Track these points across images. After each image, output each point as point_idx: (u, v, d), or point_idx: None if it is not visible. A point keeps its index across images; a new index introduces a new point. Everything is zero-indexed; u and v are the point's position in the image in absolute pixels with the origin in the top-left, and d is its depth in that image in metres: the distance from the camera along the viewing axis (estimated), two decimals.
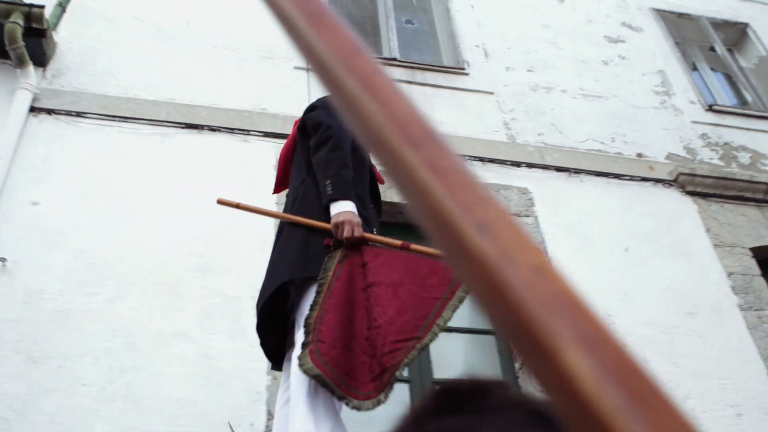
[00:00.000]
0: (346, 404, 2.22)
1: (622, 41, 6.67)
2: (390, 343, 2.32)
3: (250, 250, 4.01)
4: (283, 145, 3.12)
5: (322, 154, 2.64)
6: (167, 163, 4.42)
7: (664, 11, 7.30)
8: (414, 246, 2.60)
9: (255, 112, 4.85)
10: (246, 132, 4.71)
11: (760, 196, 5.54)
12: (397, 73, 5.48)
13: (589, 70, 6.20)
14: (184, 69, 5.02)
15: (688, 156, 5.68)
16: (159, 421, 3.39)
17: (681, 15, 7.40)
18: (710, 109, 6.29)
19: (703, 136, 5.97)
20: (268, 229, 3.96)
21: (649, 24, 7.03)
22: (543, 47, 6.23)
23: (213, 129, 4.66)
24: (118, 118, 4.56)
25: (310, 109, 2.89)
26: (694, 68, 7.30)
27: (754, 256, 5.08)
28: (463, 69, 5.80)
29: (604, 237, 4.78)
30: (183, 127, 4.63)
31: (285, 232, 2.65)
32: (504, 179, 5.04)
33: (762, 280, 4.91)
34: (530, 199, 4.96)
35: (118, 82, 4.78)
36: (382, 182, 3.03)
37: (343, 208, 2.53)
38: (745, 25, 7.65)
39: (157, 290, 3.81)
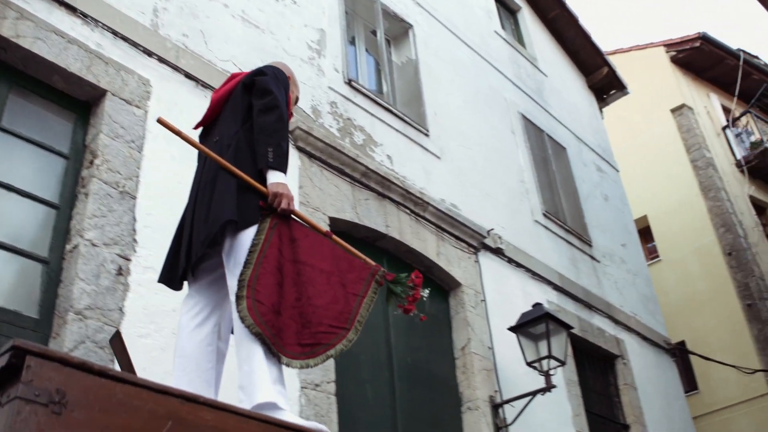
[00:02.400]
0: (278, 359, 2.57)
1: None
2: (326, 325, 2.69)
3: None
4: (215, 92, 3.25)
5: (269, 121, 2.87)
6: None
7: None
8: (335, 237, 2.95)
9: None
10: None
11: (357, 176, 6.18)
12: None
13: None
14: None
15: (311, 115, 6.10)
16: None
17: None
18: (349, 83, 6.84)
19: (333, 104, 6.46)
20: None
21: None
22: None
23: None
24: None
25: (260, 72, 3.07)
26: (352, 42, 7.85)
27: (329, 224, 5.64)
28: None
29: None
30: None
31: (221, 177, 2.80)
32: (129, 62, 4.87)
33: None
34: (148, 92, 4.87)
35: None
36: None
37: (281, 179, 2.81)
38: (410, 26, 8.46)
39: None
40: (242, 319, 2.56)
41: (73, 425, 1.66)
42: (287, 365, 2.62)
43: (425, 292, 3.11)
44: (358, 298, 2.85)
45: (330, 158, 5.99)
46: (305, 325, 2.68)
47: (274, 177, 2.81)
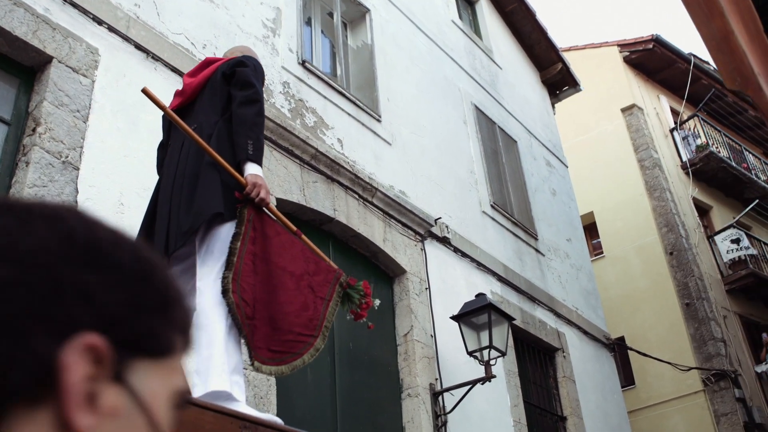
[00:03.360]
0: (251, 363, 2.64)
1: None
2: (296, 333, 2.74)
3: None
4: (190, 75, 3.26)
5: (250, 114, 2.91)
6: None
7: None
8: (304, 237, 2.99)
9: None
10: None
11: (306, 157, 6.19)
12: None
13: None
14: None
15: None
16: None
17: None
18: (302, 64, 6.83)
19: (285, 84, 6.45)
20: None
21: None
22: None
23: None
24: None
25: (240, 63, 3.07)
26: (308, 23, 7.83)
27: (276, 206, 5.65)
28: None
29: (151, 129, 4.84)
30: None
31: (206, 168, 2.82)
32: (78, 29, 4.78)
33: None
34: (96, 61, 4.79)
35: None
36: None
37: (258, 171, 2.86)
38: (368, 10, 8.47)
39: None
40: (232, 316, 2.59)
41: None
42: (257, 369, 2.66)
43: (376, 302, 3.19)
44: (325, 302, 2.89)
45: (280, 139, 5.99)
46: (275, 330, 2.72)
47: (252, 168, 2.85)
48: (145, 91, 2.85)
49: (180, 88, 3.28)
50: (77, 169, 4.33)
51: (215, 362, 2.52)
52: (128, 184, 4.58)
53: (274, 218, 2.95)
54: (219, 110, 3.02)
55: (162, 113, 3.09)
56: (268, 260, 2.79)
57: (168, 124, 3.28)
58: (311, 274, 2.89)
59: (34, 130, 4.25)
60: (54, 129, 4.29)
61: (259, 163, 2.89)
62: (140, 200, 4.59)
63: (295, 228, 3.01)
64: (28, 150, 4.19)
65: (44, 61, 4.49)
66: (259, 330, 2.68)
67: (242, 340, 2.63)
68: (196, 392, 2.51)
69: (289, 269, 2.83)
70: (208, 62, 3.26)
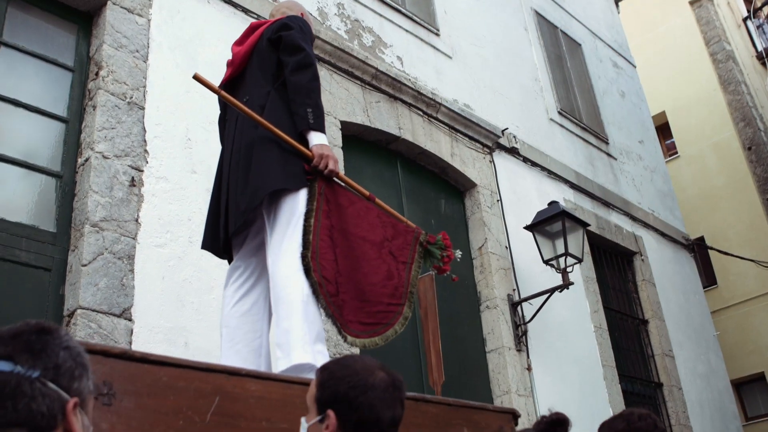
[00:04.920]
0: (344, 339, 2.57)
1: None
2: (385, 303, 2.69)
3: None
4: (237, 43, 3.10)
5: (304, 80, 2.76)
6: None
7: None
8: (378, 201, 2.88)
9: None
10: None
11: (367, 78, 6.08)
12: None
13: None
14: None
15: (318, 18, 5.95)
16: None
17: None
18: None
19: (339, 5, 6.29)
20: None
21: None
22: None
23: None
24: None
25: (285, 26, 2.91)
26: None
27: (341, 129, 5.60)
28: None
29: (210, 63, 4.82)
30: None
31: (259, 141, 2.69)
32: None
33: (340, 150, 5.44)
34: (150, 0, 4.75)
35: None
36: None
37: (323, 141, 2.73)
38: None
39: None
40: (315, 296, 2.53)
41: (123, 413, 1.69)
42: (351, 344, 2.62)
43: (458, 254, 3.08)
44: (408, 266, 2.82)
45: (339, 61, 5.88)
46: (364, 302, 2.67)
47: (317, 138, 2.73)
48: (196, 77, 2.76)
49: (230, 58, 3.14)
50: (142, 108, 4.34)
51: (296, 334, 2.46)
52: (193, 119, 4.59)
53: (346, 186, 2.84)
54: (270, 78, 2.89)
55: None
56: (346, 232, 2.72)
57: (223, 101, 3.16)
58: (390, 239, 2.81)
59: (97, 74, 4.27)
60: (116, 71, 4.30)
61: (322, 130, 2.76)
62: (206, 134, 4.60)
63: (368, 193, 2.91)
64: (94, 94, 4.21)
65: (99, 4, 4.47)
66: (347, 304, 2.62)
67: (322, 312, 2.56)
68: (279, 366, 2.47)
69: (369, 238, 2.76)
70: (253, 28, 3.11)
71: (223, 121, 3.19)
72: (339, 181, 2.82)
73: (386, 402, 1.65)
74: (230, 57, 3.13)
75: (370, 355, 1.87)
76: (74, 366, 1.04)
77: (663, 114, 15.30)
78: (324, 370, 1.74)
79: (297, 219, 2.62)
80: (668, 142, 15.68)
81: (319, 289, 2.53)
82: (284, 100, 2.81)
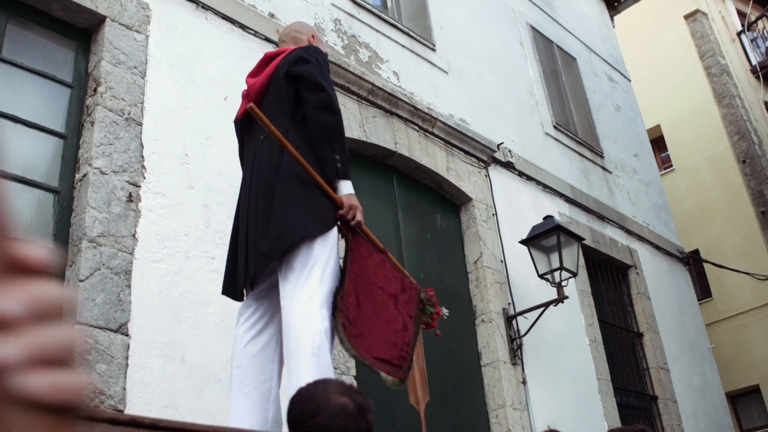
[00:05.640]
0: (384, 380, 2.61)
1: None
2: (405, 351, 2.74)
3: None
4: (252, 75, 3.03)
5: (329, 123, 2.69)
6: None
7: None
8: (390, 255, 2.93)
9: None
10: None
11: (363, 93, 6.12)
12: None
13: None
14: None
15: None
16: None
17: None
18: None
19: (336, 21, 6.34)
20: None
21: None
22: None
23: None
24: None
25: (301, 59, 2.82)
26: None
27: None
28: None
29: (208, 79, 4.86)
30: None
31: (282, 182, 2.62)
32: None
33: None
34: (148, 16, 4.78)
35: None
36: None
37: (351, 189, 2.69)
38: None
39: None
40: (342, 345, 2.50)
41: None
42: (384, 381, 2.62)
43: (445, 313, 3.14)
44: (413, 320, 2.86)
45: (335, 77, 5.92)
46: (387, 345, 2.68)
47: (345, 188, 2.69)
48: (251, 110, 2.64)
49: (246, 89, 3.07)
50: (140, 124, 4.37)
51: None
52: (190, 135, 4.62)
53: (365, 237, 2.84)
54: (288, 115, 2.79)
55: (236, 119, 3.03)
56: (368, 280, 2.71)
57: (240, 132, 3.09)
58: (399, 293, 2.83)
59: (95, 90, 4.30)
60: (114, 87, 4.33)
61: (350, 177, 2.71)
62: (203, 149, 4.63)
63: (382, 246, 2.92)
64: (92, 110, 4.24)
65: (98, 21, 4.51)
66: (375, 344, 2.62)
67: (346, 353, 2.60)
68: None
69: (386, 289, 2.78)
70: (267, 58, 3.02)
71: (242, 156, 3.11)
72: (361, 233, 2.81)
73: (339, 426, 1.69)
74: (245, 89, 3.06)
75: (344, 381, 1.91)
76: None
77: (658, 127, 15.38)
78: (291, 402, 1.79)
79: (311, 267, 2.55)
80: (663, 155, 15.75)
81: (344, 331, 2.51)
82: (304, 139, 2.73)
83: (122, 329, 3.75)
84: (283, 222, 2.58)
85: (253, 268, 2.62)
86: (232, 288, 2.80)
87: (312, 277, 2.54)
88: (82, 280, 3.69)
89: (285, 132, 2.71)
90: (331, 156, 2.67)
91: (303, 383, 2.27)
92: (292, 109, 2.80)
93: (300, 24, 3.31)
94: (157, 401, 3.76)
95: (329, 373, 2.45)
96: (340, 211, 2.66)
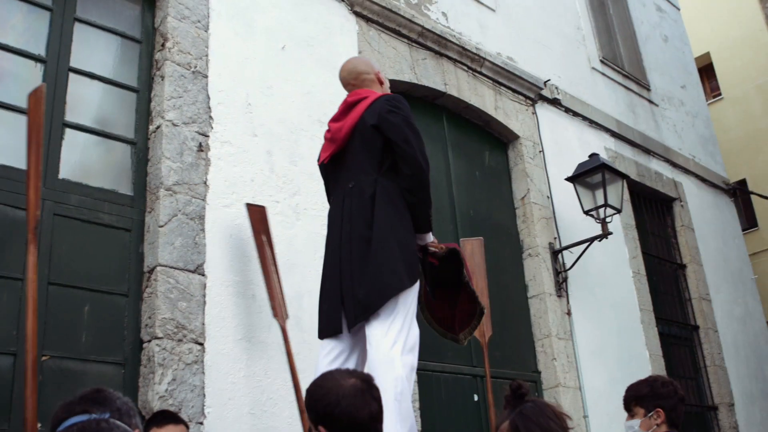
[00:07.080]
0: (454, 340, 3.45)
1: None
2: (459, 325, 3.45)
3: None
4: (334, 119, 3.21)
5: (423, 185, 2.99)
6: None
7: None
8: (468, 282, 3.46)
9: None
10: None
11: (413, 36, 6.24)
12: None
13: None
14: None
15: None
16: None
17: None
18: None
19: None
20: None
21: None
22: None
23: None
24: None
25: (389, 110, 3.00)
26: None
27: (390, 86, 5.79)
28: None
29: (266, 29, 5.04)
30: None
31: (378, 232, 2.86)
32: None
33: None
34: None
35: None
36: None
37: (432, 237, 3.25)
38: None
39: None
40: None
41: None
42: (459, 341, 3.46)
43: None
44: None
45: (386, 20, 6.05)
46: (454, 317, 3.47)
47: (429, 237, 3.21)
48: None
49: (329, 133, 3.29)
50: (206, 77, 4.60)
51: (387, 418, 2.39)
52: (253, 85, 4.84)
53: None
54: (375, 165, 2.99)
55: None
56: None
57: (326, 175, 3.30)
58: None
59: (163, 45, 4.53)
60: (180, 42, 4.55)
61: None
62: (265, 98, 4.86)
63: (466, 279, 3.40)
64: (161, 64, 4.48)
65: None
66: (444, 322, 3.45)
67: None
68: None
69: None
70: (348, 104, 3.18)
71: (328, 193, 3.35)
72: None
73: (358, 404, 2.00)
74: (327, 131, 3.27)
75: (340, 368, 2.33)
76: (128, 408, 1.53)
77: (707, 55, 15.08)
78: (306, 393, 2.11)
79: (396, 315, 2.79)
80: (712, 83, 15.48)
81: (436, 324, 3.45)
82: (394, 189, 2.97)
83: (199, 270, 4.08)
84: (382, 274, 2.83)
85: (352, 316, 2.87)
86: (330, 328, 3.01)
87: (395, 325, 2.79)
88: (161, 226, 4.01)
89: (374, 182, 2.97)
90: (425, 215, 3.06)
91: (386, 425, 2.42)
92: (380, 159, 3.02)
93: (361, 63, 3.45)
94: (233, 334, 4.11)
95: (410, 419, 2.68)
96: (437, 250, 3.22)
